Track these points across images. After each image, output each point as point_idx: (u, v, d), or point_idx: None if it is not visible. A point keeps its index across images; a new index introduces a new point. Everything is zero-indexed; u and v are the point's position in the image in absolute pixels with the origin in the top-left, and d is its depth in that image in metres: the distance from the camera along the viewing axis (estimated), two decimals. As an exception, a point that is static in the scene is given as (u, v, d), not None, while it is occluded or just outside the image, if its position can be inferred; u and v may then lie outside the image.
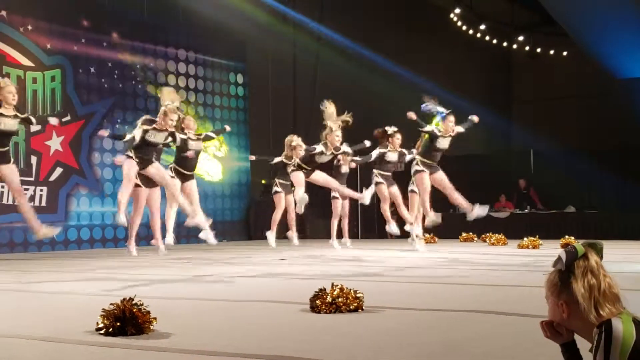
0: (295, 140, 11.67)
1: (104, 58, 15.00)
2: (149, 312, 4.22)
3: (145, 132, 9.14)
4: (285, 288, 6.92)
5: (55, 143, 14.01)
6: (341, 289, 5.02)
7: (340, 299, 4.94)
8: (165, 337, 4.13)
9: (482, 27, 21.80)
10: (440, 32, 21.29)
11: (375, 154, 11.97)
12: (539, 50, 22.61)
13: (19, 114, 8.22)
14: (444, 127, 11.08)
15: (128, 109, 15.38)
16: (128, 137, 9.42)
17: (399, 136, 11.94)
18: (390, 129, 11.91)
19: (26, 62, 13.67)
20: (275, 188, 12.06)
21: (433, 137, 11.04)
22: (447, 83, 21.41)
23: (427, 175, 11.18)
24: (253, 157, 13.96)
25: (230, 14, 16.61)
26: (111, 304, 4.23)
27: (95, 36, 14.85)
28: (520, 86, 25.32)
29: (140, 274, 8.29)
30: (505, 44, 22.71)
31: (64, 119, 14.16)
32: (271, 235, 12.07)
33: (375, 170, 12.08)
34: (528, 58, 23.08)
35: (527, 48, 22.53)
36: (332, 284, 5.06)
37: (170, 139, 9.54)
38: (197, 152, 10.73)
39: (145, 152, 9.21)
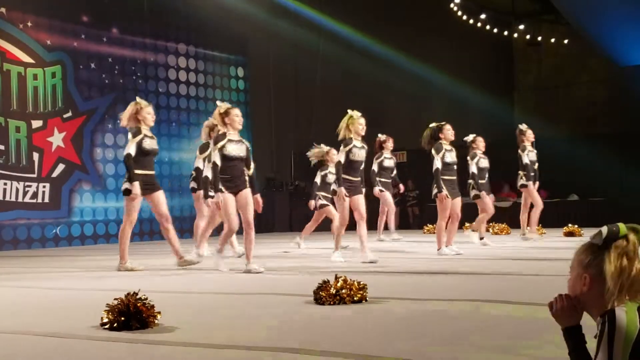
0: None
1: (105, 53, 14.97)
2: (153, 307, 4.22)
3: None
4: (289, 280, 6.92)
5: (57, 139, 13.99)
6: (345, 281, 5.01)
7: (344, 291, 4.94)
8: (170, 331, 4.13)
9: (483, 16, 21.72)
10: (440, 22, 21.23)
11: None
12: (540, 38, 22.55)
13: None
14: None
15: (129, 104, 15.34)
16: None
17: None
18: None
19: (27, 58, 13.64)
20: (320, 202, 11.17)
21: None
22: (449, 73, 21.38)
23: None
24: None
25: (230, 7, 16.56)
26: (115, 299, 4.23)
27: (95, 31, 14.83)
28: (522, 75, 25.28)
29: (144, 268, 8.27)
30: (506, 32, 22.64)
31: (65, 115, 14.18)
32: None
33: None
34: (529, 46, 23.01)
35: (527, 37, 22.45)
36: (336, 276, 5.06)
37: None
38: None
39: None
